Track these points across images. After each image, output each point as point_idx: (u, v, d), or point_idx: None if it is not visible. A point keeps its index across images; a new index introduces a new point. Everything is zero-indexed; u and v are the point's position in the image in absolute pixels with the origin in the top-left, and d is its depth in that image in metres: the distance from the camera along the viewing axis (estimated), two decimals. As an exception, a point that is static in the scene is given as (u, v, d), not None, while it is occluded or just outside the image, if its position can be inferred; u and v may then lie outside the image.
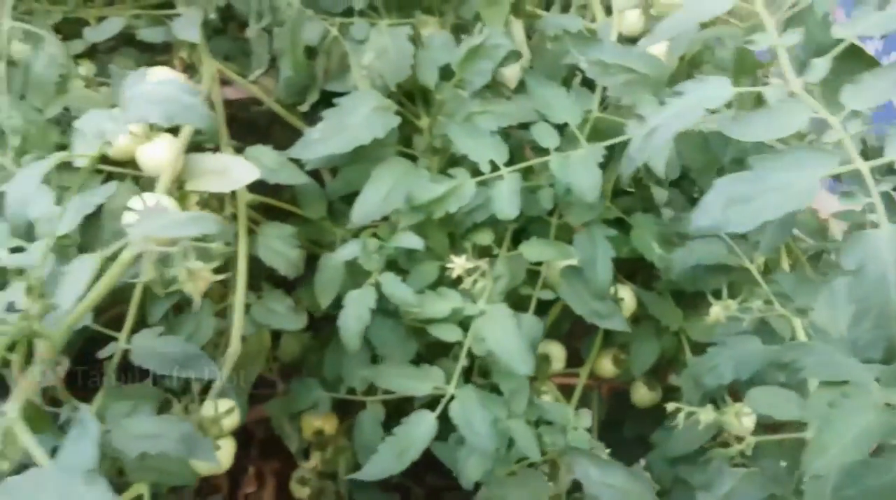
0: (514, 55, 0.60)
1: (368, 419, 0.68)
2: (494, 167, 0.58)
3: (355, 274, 0.64)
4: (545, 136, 0.59)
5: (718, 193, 0.35)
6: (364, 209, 0.59)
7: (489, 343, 0.55)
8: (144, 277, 0.43)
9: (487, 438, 0.54)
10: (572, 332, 0.74)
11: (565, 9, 0.73)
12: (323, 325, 0.70)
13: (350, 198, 0.67)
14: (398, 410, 0.67)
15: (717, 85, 0.40)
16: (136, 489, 0.57)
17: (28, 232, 0.38)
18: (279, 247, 0.61)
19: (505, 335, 0.55)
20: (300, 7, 0.57)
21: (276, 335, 0.73)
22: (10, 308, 0.36)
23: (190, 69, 0.64)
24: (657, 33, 0.49)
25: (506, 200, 0.57)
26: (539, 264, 0.64)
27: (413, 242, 0.58)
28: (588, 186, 0.56)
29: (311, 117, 0.66)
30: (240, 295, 0.61)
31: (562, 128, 0.60)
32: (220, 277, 0.45)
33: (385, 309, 0.62)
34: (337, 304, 0.64)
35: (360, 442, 0.67)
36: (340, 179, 0.65)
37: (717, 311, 0.59)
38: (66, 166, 0.54)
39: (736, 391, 0.63)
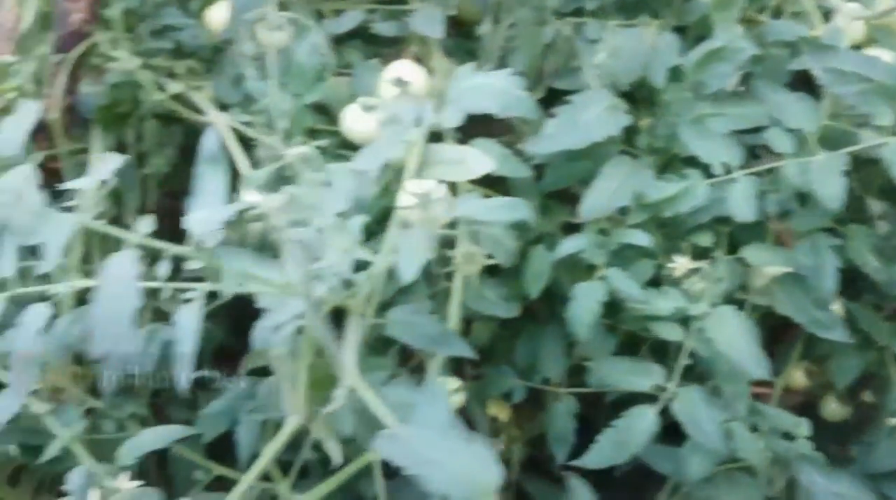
0: (756, 59, 0.60)
1: (562, 410, 0.69)
2: (727, 169, 0.59)
3: (560, 266, 0.66)
4: (780, 141, 0.59)
5: None
6: (593, 204, 0.61)
7: (719, 344, 0.56)
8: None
9: (715, 437, 0.55)
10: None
11: (776, 15, 0.73)
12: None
13: (553, 194, 0.69)
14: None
15: None
16: (366, 457, 0.60)
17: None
18: (499, 236, 0.63)
19: (738, 337, 0.55)
20: (548, 7, 0.59)
21: (466, 322, 0.75)
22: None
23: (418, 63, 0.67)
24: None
25: (742, 203, 0.57)
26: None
27: (641, 238, 0.59)
28: (830, 194, 0.55)
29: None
30: (459, 280, 0.63)
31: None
32: (493, 261, 0.47)
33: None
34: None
35: (553, 432, 0.69)
36: (553, 174, 0.67)
37: (944, 329, 0.58)
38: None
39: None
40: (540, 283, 0.66)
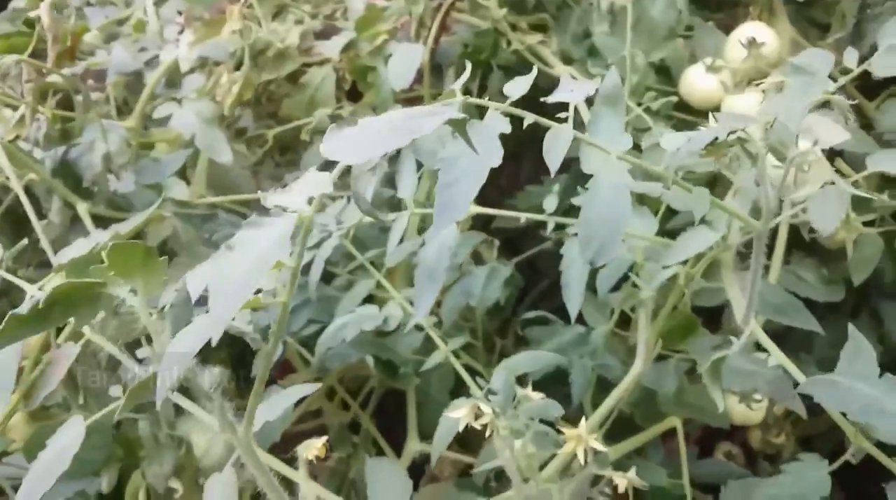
0: None
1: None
2: None
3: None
4: None
5: None
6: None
7: None
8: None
9: None
10: None
11: None
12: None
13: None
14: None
15: None
16: (669, 421, 0.60)
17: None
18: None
19: None
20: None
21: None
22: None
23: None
24: None
25: None
26: None
27: None
28: None
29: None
30: (778, 255, 0.60)
31: None
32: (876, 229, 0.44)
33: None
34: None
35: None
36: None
37: None
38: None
39: None
40: (868, 269, 0.62)
